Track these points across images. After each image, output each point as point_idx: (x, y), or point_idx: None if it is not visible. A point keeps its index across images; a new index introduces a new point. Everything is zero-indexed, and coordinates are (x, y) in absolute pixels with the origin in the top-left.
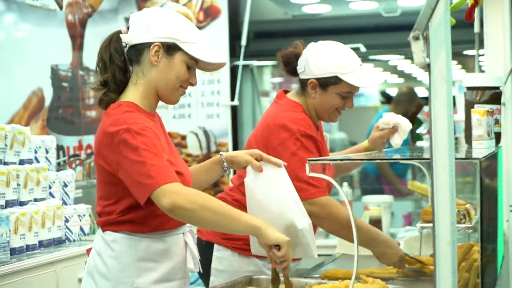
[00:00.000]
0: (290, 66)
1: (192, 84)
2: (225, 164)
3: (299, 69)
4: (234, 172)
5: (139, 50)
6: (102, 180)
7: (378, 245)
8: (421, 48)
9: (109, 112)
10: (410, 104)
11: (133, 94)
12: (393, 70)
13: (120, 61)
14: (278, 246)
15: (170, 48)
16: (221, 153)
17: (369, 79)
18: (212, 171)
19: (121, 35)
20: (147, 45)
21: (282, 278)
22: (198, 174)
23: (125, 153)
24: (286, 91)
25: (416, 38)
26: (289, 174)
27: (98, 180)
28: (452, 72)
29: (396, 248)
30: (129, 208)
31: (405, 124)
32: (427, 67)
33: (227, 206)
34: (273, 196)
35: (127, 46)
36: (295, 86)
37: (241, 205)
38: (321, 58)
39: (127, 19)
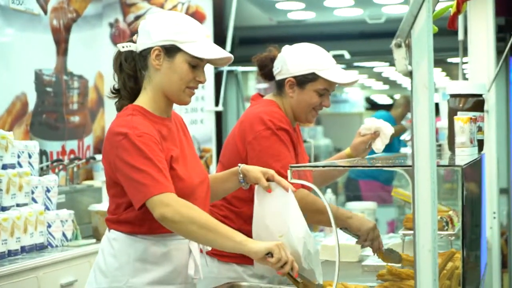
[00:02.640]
0: (266, 69)
1: (200, 82)
2: (241, 175)
3: (276, 70)
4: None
5: (144, 56)
6: (107, 180)
7: (352, 216)
8: (403, 55)
9: (117, 115)
10: (409, 107)
11: (143, 99)
12: (378, 77)
13: (129, 69)
14: (270, 254)
15: (170, 51)
16: (239, 164)
17: (345, 76)
18: (230, 182)
19: (126, 44)
20: (149, 51)
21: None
22: (215, 183)
23: (123, 157)
24: (261, 95)
25: (398, 46)
26: (263, 167)
27: (106, 180)
28: (434, 80)
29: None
30: (127, 208)
31: (387, 129)
32: (409, 74)
33: (216, 221)
34: (282, 222)
35: (137, 53)
36: None
37: (230, 222)
38: (298, 57)
39: (111, 25)
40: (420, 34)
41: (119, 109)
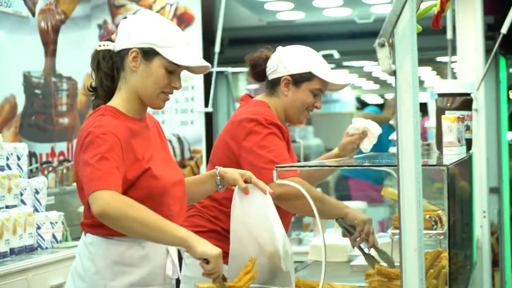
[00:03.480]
0: (259, 69)
1: (176, 88)
2: (218, 178)
3: (271, 68)
4: None
5: (121, 56)
6: (78, 183)
7: (349, 207)
8: (386, 55)
9: (88, 116)
10: None
11: (117, 99)
12: (368, 76)
13: (107, 68)
14: (206, 260)
15: (148, 54)
16: (216, 167)
17: (340, 78)
18: (207, 184)
19: (104, 42)
20: (127, 51)
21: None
22: (192, 186)
23: (81, 155)
24: (250, 96)
25: (382, 45)
26: (259, 159)
27: (77, 183)
28: (417, 79)
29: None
30: None
31: (374, 128)
32: (393, 73)
33: (158, 217)
34: (259, 224)
35: (114, 53)
36: None
37: (220, 222)
38: (295, 56)
39: (100, 26)
40: (403, 33)
41: (94, 107)
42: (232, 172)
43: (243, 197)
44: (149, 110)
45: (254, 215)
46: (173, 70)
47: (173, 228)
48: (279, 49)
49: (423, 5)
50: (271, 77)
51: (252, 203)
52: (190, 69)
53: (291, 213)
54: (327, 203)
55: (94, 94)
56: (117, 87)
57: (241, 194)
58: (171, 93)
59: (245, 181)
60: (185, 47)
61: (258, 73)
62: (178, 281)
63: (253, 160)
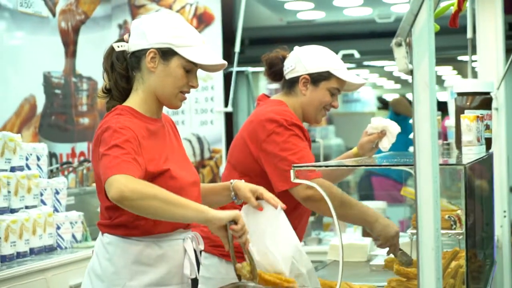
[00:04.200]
0: (275, 68)
1: (193, 87)
2: (233, 193)
3: (288, 68)
4: None
5: (137, 57)
6: (97, 182)
7: (378, 220)
8: (403, 54)
9: (105, 115)
10: None
11: (133, 100)
12: (389, 76)
13: (121, 69)
14: (233, 221)
15: (166, 54)
16: (231, 181)
17: (356, 77)
18: (221, 195)
19: (120, 43)
20: (144, 52)
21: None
22: (208, 194)
23: (100, 148)
24: (267, 96)
25: (399, 45)
26: (283, 163)
27: (96, 182)
28: (435, 78)
29: (393, 224)
30: (120, 211)
31: (393, 128)
32: (410, 73)
33: (175, 195)
34: (267, 241)
35: (129, 53)
36: None
37: None
38: (313, 55)
39: (120, 26)
40: (421, 32)
41: (109, 109)
42: (244, 190)
43: (249, 215)
44: (169, 110)
45: (262, 232)
46: (190, 69)
47: (193, 203)
48: (297, 48)
49: (441, 5)
50: (288, 76)
51: (262, 219)
52: (205, 67)
53: (307, 215)
54: (356, 209)
55: (108, 95)
56: (133, 88)
57: (248, 211)
58: (189, 92)
59: (257, 198)
60: (201, 45)
61: (274, 72)
62: (194, 282)
63: (277, 163)
